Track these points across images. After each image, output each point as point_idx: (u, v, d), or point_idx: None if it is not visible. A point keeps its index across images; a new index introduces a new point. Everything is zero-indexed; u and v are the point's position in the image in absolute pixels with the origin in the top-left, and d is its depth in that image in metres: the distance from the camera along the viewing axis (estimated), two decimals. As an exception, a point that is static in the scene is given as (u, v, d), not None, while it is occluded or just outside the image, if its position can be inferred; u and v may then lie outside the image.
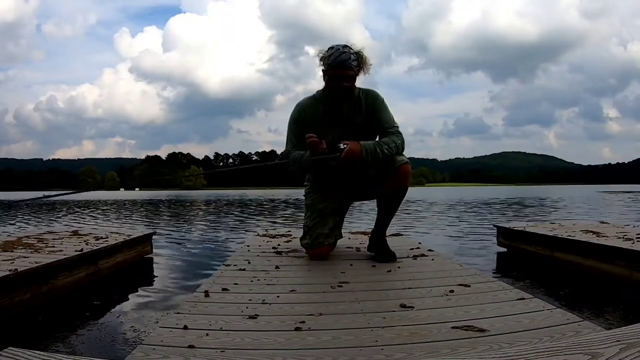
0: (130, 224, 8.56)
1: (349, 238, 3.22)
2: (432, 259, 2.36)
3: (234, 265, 2.25)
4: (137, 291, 2.88)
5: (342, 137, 2.23)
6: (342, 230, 2.61)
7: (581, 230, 3.59)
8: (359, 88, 2.38)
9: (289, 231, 3.85)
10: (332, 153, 2.17)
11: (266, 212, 12.20)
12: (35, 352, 0.85)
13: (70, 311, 2.38)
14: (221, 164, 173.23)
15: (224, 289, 1.72)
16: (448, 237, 5.73)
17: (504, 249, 4.16)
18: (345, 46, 2.25)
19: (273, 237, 3.43)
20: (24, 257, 2.56)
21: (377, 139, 2.34)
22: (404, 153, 2.33)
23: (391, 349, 1.09)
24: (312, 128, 2.27)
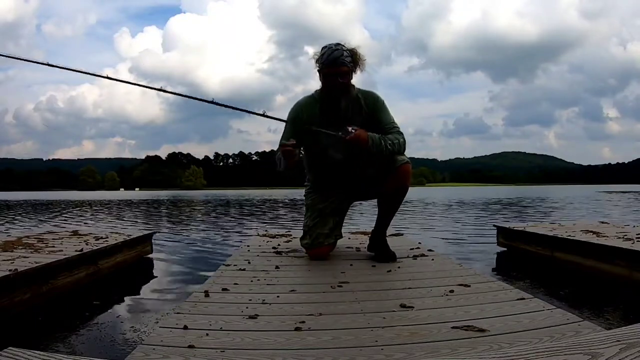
0: (130, 224, 8.56)
1: (349, 238, 3.22)
2: (432, 259, 2.36)
3: (234, 265, 2.25)
4: (137, 291, 2.88)
5: (339, 139, 2.22)
6: (342, 230, 2.61)
7: (581, 230, 3.59)
8: (358, 88, 2.38)
9: (289, 231, 3.85)
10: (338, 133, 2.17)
11: (266, 212, 12.20)
12: (35, 352, 0.85)
13: (70, 311, 2.37)
14: (221, 164, 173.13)
15: (224, 289, 1.72)
16: (448, 237, 5.72)
17: (504, 249, 4.16)
18: (338, 44, 2.25)
19: (273, 237, 3.43)
20: (24, 257, 2.56)
21: None
22: (404, 153, 2.34)
23: (391, 349, 1.09)
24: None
